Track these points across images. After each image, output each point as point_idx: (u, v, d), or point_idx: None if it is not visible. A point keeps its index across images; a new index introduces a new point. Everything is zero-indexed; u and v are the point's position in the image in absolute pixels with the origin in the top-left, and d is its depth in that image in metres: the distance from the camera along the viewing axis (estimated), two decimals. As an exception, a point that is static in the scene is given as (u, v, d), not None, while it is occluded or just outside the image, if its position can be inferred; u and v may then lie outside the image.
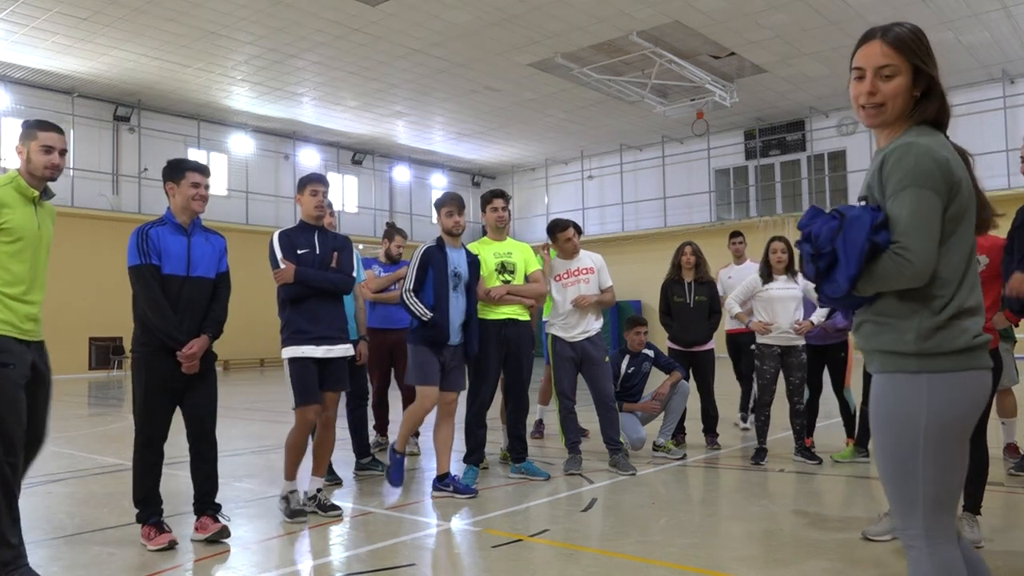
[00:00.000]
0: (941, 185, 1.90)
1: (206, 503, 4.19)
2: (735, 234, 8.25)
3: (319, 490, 4.67)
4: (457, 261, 5.21)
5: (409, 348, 5.15)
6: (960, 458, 1.95)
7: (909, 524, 1.95)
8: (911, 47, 1.97)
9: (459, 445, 5.68)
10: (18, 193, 3.51)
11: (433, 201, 26.35)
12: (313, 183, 4.71)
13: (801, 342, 6.00)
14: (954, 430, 1.92)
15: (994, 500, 4.71)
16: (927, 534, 1.93)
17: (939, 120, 2.02)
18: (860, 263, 1.93)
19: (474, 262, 5.36)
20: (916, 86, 1.98)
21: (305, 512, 4.48)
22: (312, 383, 4.50)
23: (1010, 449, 5.95)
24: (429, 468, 6.01)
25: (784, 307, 5.90)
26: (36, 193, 3.55)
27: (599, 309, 6.04)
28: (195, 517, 4.19)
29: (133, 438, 4.13)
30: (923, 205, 1.89)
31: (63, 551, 3.93)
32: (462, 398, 5.33)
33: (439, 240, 5.27)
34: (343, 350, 4.61)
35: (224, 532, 4.09)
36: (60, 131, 3.66)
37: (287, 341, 4.50)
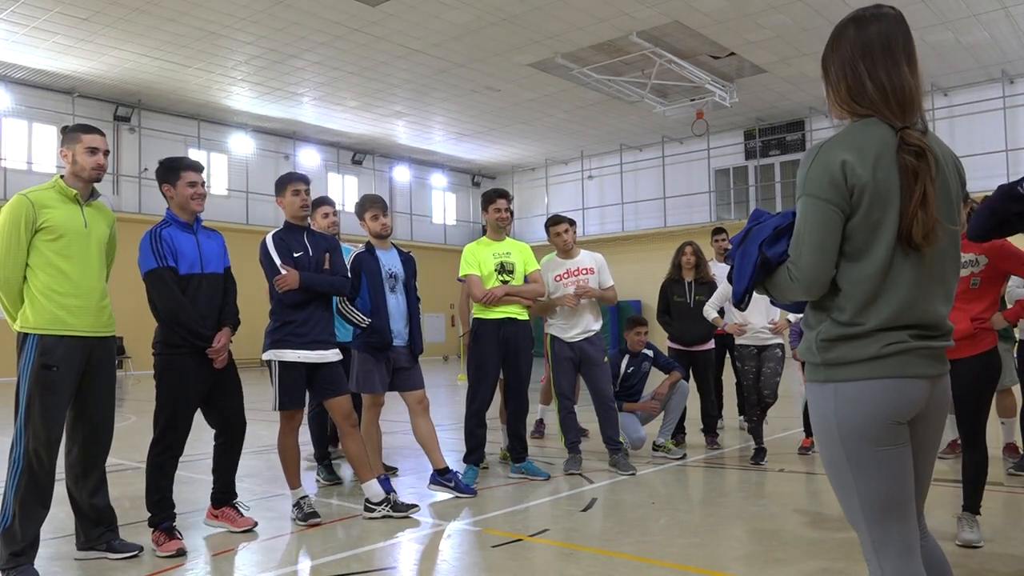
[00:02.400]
0: (832, 193, 1.77)
1: (231, 493, 4.39)
2: (718, 231, 8.17)
3: (389, 492, 4.65)
4: (391, 262, 5.15)
5: (353, 355, 5.07)
6: (892, 466, 1.82)
7: (860, 537, 1.88)
8: (827, 42, 1.94)
9: (459, 445, 5.69)
10: (58, 194, 3.70)
11: (432, 201, 26.15)
12: (294, 182, 4.60)
13: (777, 340, 6.04)
14: (871, 439, 1.80)
15: (994, 500, 4.71)
16: (874, 547, 1.84)
17: (865, 103, 1.83)
18: (751, 278, 1.90)
19: (408, 260, 5.29)
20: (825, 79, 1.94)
21: (318, 514, 4.48)
22: (300, 389, 4.49)
23: (1009, 449, 5.95)
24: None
25: (756, 307, 5.92)
26: (75, 192, 3.71)
27: (598, 309, 6.03)
28: (212, 506, 4.38)
29: (151, 441, 4.14)
30: (810, 215, 1.80)
31: (63, 551, 3.93)
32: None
33: (368, 245, 5.18)
34: (334, 355, 4.59)
35: (255, 525, 4.35)
36: (102, 133, 3.86)
37: (278, 344, 4.45)
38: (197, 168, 4.28)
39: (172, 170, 4.22)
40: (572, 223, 6.20)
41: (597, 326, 5.96)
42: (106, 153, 3.80)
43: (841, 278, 1.82)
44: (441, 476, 5.12)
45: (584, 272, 5.95)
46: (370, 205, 5.21)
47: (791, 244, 1.84)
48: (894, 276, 1.79)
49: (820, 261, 1.79)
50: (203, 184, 4.27)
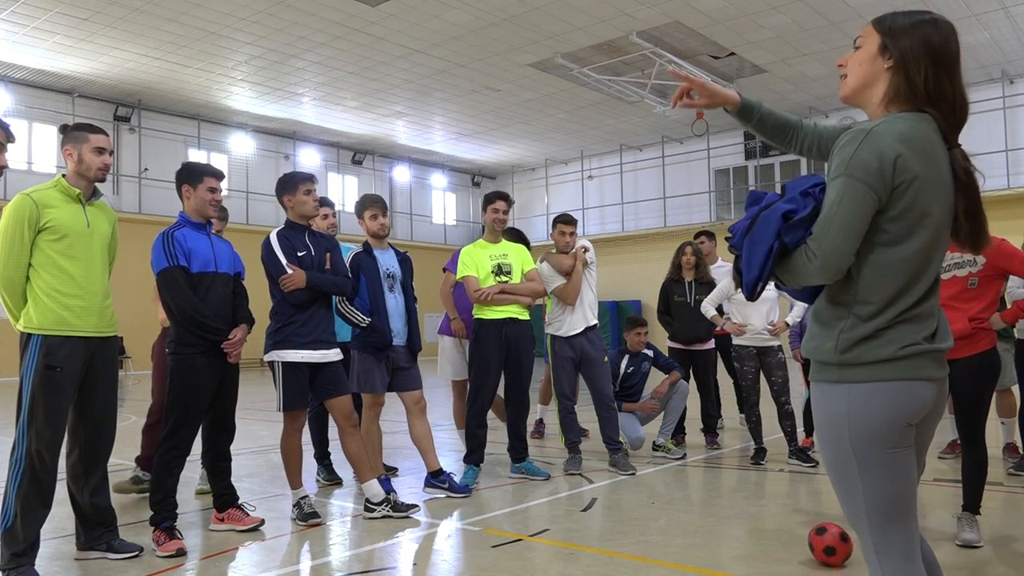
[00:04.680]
0: (876, 181, 1.73)
1: (233, 495, 4.41)
2: (702, 233, 8.12)
3: (389, 492, 4.65)
4: (388, 262, 5.15)
5: (353, 355, 5.06)
6: (899, 468, 1.82)
7: (862, 539, 1.88)
8: (886, 21, 1.87)
9: (459, 444, 5.68)
10: (61, 193, 3.69)
11: (432, 201, 26.18)
12: (306, 182, 4.60)
13: (777, 342, 6.02)
14: (881, 440, 1.80)
15: (994, 500, 4.71)
16: (876, 549, 1.84)
17: (936, 104, 1.82)
18: (762, 267, 1.83)
19: (405, 260, 5.29)
20: (884, 57, 1.84)
21: (318, 514, 4.48)
22: (303, 389, 4.49)
23: (1009, 449, 5.95)
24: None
25: (756, 308, 5.92)
26: (78, 191, 3.70)
27: (594, 301, 6.02)
28: (216, 511, 4.39)
29: (160, 439, 4.17)
30: (847, 198, 1.75)
31: (63, 551, 3.94)
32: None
33: (366, 245, 5.17)
34: (336, 354, 4.60)
35: (261, 523, 4.37)
36: (107, 133, 3.86)
37: (280, 344, 4.45)
38: (219, 176, 4.36)
39: (196, 173, 4.29)
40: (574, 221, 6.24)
41: (595, 319, 5.98)
42: (111, 153, 3.81)
43: (871, 269, 1.79)
44: (435, 478, 5.12)
45: (583, 251, 6.01)
46: (370, 205, 5.20)
47: (818, 222, 1.79)
48: (926, 269, 1.80)
49: (846, 242, 1.76)
50: (221, 192, 4.35)
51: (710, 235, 7.96)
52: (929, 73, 1.80)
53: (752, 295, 1.89)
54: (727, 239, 1.98)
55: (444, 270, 6.62)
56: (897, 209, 1.76)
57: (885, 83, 1.85)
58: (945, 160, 1.81)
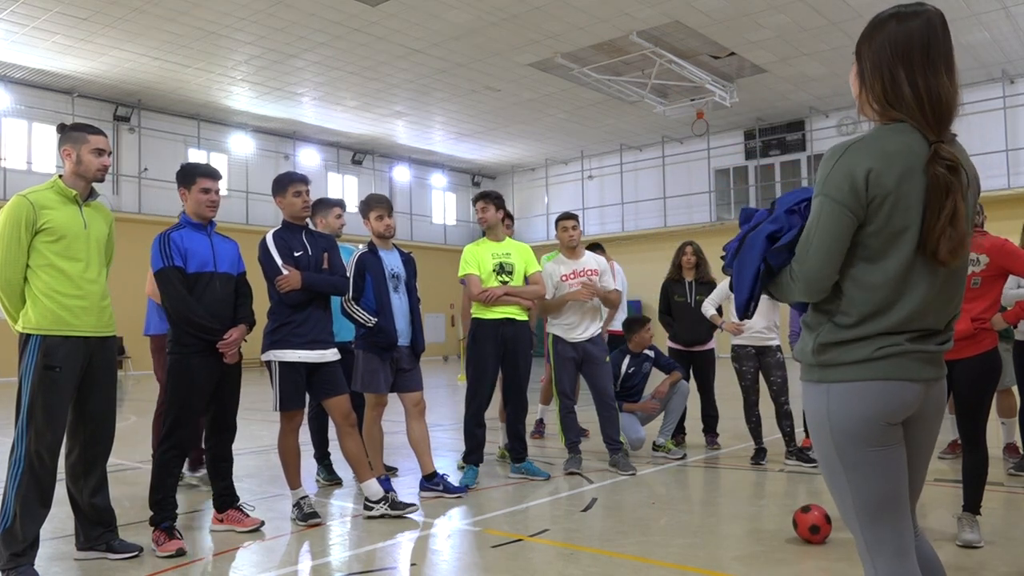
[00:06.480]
0: (851, 200, 1.73)
1: (232, 496, 4.40)
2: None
3: (388, 492, 4.65)
4: (393, 262, 5.15)
5: (357, 354, 5.05)
6: (884, 466, 1.81)
7: (854, 536, 1.89)
8: (861, 33, 1.87)
9: (459, 445, 5.67)
10: (57, 195, 3.67)
11: (432, 201, 26.20)
12: (295, 183, 4.60)
13: (776, 342, 6.02)
14: (862, 439, 1.80)
15: (994, 500, 4.71)
16: (868, 547, 1.85)
17: (900, 108, 1.77)
18: (752, 288, 1.88)
19: (409, 260, 5.30)
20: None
21: (318, 515, 4.48)
22: (299, 389, 4.49)
23: (1010, 449, 5.95)
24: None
25: (758, 308, 5.89)
26: (75, 192, 3.69)
27: (601, 310, 6.03)
28: (216, 511, 4.39)
29: (159, 439, 4.18)
30: (823, 219, 1.77)
31: (63, 551, 3.93)
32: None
33: (371, 245, 5.17)
34: (333, 354, 4.60)
35: (261, 524, 4.37)
36: (106, 134, 3.86)
37: (278, 344, 4.45)
38: (213, 176, 4.33)
39: (189, 175, 4.29)
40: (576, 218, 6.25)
41: (599, 327, 5.98)
42: (109, 154, 3.82)
43: (851, 283, 1.80)
44: (429, 481, 5.11)
45: (588, 273, 5.96)
46: (375, 205, 5.20)
47: (799, 244, 1.82)
48: (909, 285, 1.77)
49: (825, 264, 1.78)
50: (217, 192, 4.33)
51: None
52: (886, 80, 1.79)
53: (744, 315, 1.96)
54: (722, 258, 2.03)
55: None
56: (876, 224, 1.76)
57: (864, 100, 1.87)
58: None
